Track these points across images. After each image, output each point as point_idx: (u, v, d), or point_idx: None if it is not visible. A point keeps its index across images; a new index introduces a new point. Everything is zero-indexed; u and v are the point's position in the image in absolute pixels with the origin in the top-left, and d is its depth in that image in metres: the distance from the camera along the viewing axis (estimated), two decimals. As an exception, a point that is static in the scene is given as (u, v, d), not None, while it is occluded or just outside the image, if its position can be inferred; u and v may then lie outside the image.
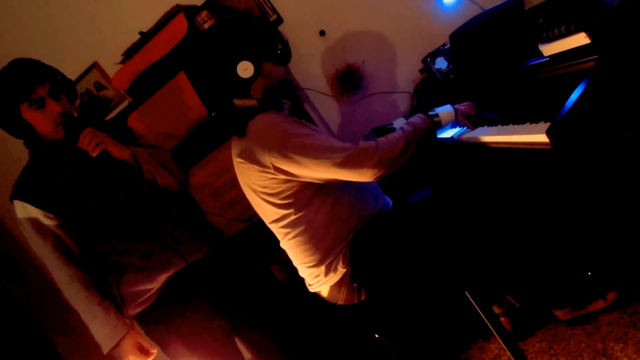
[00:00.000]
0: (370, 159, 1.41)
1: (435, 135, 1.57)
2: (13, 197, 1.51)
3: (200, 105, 2.07)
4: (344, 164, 1.41)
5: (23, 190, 1.50)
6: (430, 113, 1.57)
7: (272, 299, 1.75)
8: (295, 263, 1.66)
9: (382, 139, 1.46)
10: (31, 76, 1.44)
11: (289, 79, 1.73)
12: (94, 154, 1.45)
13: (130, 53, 2.18)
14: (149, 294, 1.54)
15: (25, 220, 1.49)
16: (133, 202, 1.55)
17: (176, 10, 2.09)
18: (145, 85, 2.14)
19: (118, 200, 1.53)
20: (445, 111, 1.58)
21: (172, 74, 2.09)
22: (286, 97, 1.69)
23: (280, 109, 1.62)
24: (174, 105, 2.11)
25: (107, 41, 2.45)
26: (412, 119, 1.55)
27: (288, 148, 1.44)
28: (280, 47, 1.67)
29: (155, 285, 1.55)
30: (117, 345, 1.47)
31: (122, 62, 2.22)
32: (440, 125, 1.57)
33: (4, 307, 2.56)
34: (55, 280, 1.50)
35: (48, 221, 1.48)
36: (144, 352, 1.51)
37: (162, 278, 1.55)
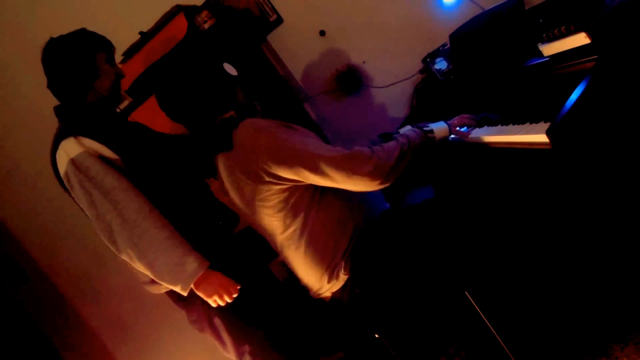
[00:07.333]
0: (366, 165, 1.37)
1: (429, 150, 1.54)
2: (67, 135, 1.47)
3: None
4: (337, 167, 1.38)
5: (82, 128, 1.48)
6: (425, 128, 1.55)
7: (272, 298, 1.75)
8: (296, 272, 1.63)
9: (377, 147, 1.43)
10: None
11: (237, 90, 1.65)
12: None
13: (130, 53, 2.18)
14: None
15: (83, 155, 1.44)
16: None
17: (176, 10, 2.09)
18: (146, 85, 2.14)
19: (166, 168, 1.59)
20: (439, 127, 1.56)
21: (172, 74, 2.09)
22: (251, 101, 1.64)
23: (256, 113, 1.59)
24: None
25: (107, 41, 2.45)
26: (407, 132, 1.52)
27: (279, 152, 1.41)
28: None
29: None
30: (203, 277, 1.45)
31: (122, 62, 2.21)
32: (434, 141, 1.54)
33: (5, 307, 2.56)
34: (129, 215, 1.42)
35: (114, 155, 1.48)
36: (232, 284, 1.51)
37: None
